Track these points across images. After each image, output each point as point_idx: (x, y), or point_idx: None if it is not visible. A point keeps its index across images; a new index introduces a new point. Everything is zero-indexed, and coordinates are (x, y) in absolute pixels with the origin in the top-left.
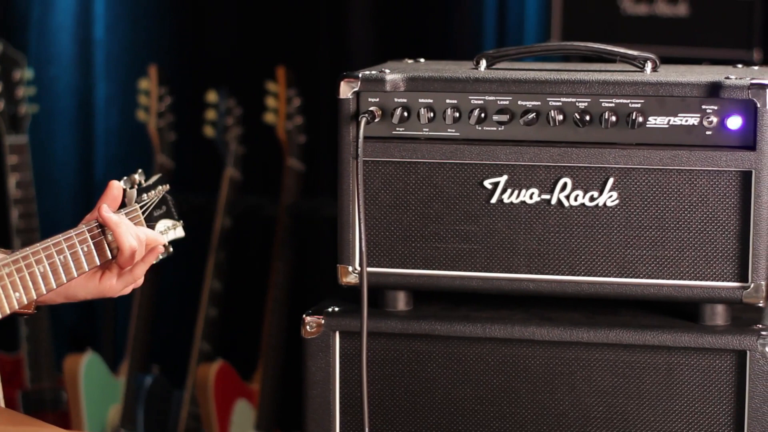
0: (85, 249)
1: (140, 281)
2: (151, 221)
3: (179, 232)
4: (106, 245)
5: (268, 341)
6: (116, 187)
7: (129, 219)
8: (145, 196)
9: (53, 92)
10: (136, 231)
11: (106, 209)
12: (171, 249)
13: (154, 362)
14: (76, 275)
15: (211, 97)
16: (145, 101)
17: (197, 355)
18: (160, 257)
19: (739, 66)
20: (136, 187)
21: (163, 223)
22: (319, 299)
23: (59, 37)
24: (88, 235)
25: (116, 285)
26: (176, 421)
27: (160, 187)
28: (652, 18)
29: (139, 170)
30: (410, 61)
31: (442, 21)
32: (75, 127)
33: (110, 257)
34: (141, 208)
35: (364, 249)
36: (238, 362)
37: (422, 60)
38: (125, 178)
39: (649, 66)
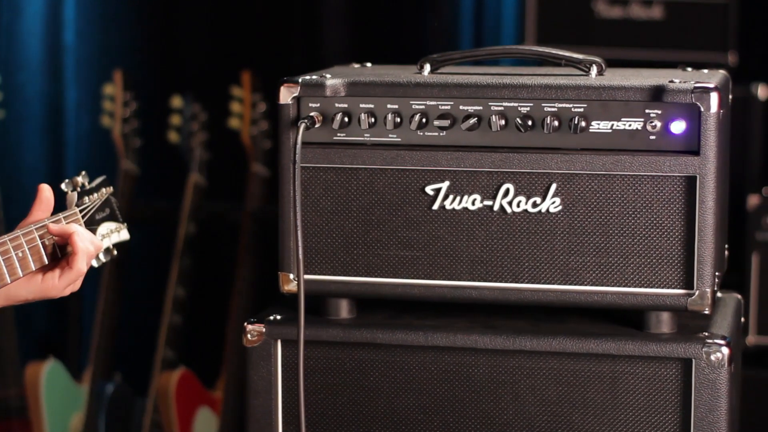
0: (20, 254)
1: (79, 282)
2: (92, 224)
3: (124, 235)
4: (42, 249)
5: (231, 349)
6: (45, 190)
7: (67, 223)
8: (86, 199)
9: (22, 98)
10: (90, 236)
11: (54, 226)
12: (115, 252)
13: (118, 370)
14: (9, 281)
15: (176, 102)
16: (110, 107)
17: (161, 363)
18: (103, 260)
19: (689, 69)
20: (78, 189)
21: (106, 226)
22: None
23: (28, 43)
24: (23, 240)
25: (59, 284)
26: (139, 429)
27: (103, 190)
28: (626, 21)
29: (83, 172)
30: (357, 66)
31: (417, 24)
32: (44, 133)
33: (46, 262)
34: (81, 211)
35: (301, 257)
36: (202, 370)
37: (369, 64)
38: (67, 180)
39: (594, 70)
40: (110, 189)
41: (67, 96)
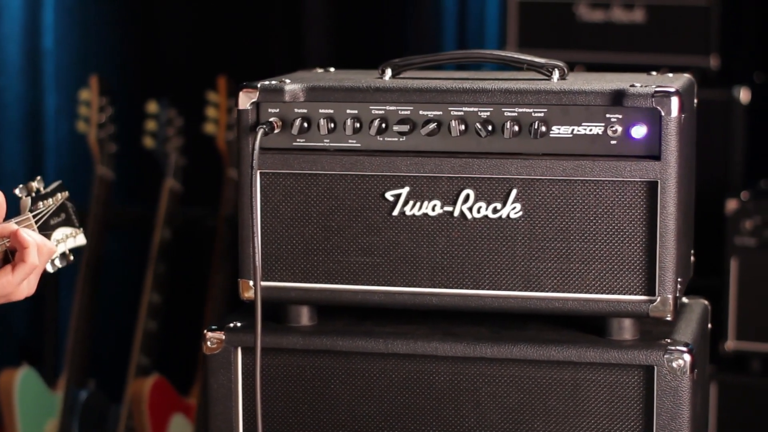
0: None
1: (35, 282)
2: (46, 230)
3: (80, 240)
4: None
5: None
6: None
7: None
8: (41, 204)
9: (0, 103)
10: (38, 234)
11: (25, 231)
12: (72, 257)
13: (92, 376)
14: None
15: (152, 107)
16: (85, 112)
17: (135, 369)
18: (59, 265)
19: (653, 73)
20: (32, 194)
21: (61, 231)
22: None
23: (7, 47)
24: None
25: (13, 278)
26: None
27: (59, 195)
28: (608, 24)
29: (38, 177)
30: (320, 71)
31: (400, 28)
32: (23, 138)
33: None
34: (35, 216)
35: (258, 263)
36: (177, 376)
37: (332, 69)
38: (21, 186)
39: (556, 74)
40: (66, 194)
41: (46, 101)
